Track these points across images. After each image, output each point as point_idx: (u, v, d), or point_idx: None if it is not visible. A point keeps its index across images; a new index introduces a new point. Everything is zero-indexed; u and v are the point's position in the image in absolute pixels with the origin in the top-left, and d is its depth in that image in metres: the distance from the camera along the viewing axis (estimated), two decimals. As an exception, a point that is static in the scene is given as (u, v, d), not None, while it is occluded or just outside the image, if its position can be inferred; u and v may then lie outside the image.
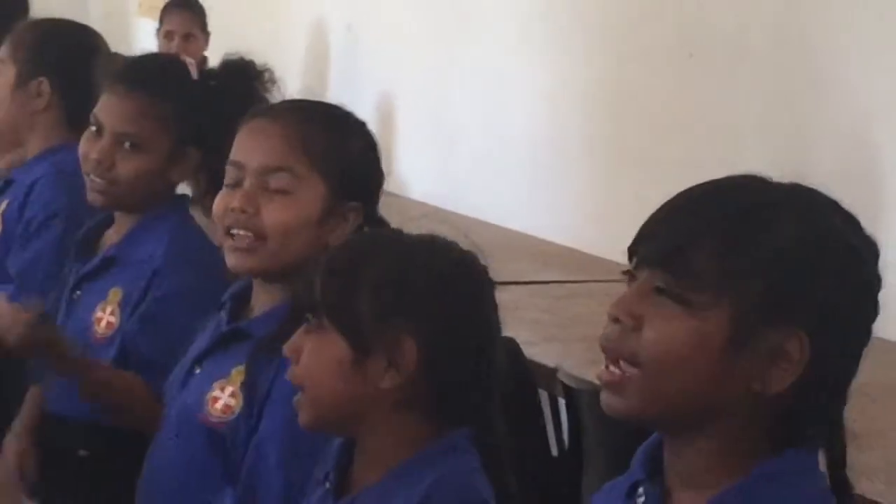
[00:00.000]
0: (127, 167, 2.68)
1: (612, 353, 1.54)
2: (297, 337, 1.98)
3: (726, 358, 1.49)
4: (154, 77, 2.78)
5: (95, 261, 2.80)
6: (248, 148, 2.35)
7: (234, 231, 2.32)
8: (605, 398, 1.56)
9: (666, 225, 1.53)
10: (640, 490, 1.56)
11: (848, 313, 1.50)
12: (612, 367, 1.54)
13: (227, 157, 2.37)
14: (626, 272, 1.57)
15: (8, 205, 3.22)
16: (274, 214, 2.30)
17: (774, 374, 1.48)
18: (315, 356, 1.96)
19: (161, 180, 2.71)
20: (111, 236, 2.81)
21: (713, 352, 1.49)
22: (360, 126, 2.41)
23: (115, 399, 2.68)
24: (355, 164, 2.35)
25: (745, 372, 1.49)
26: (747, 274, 1.49)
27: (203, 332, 2.43)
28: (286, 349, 1.99)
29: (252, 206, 2.30)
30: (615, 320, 1.54)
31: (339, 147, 2.36)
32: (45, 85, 3.22)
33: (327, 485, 1.99)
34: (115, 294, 2.74)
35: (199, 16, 6.16)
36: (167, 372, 2.54)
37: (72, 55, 3.21)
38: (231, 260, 2.36)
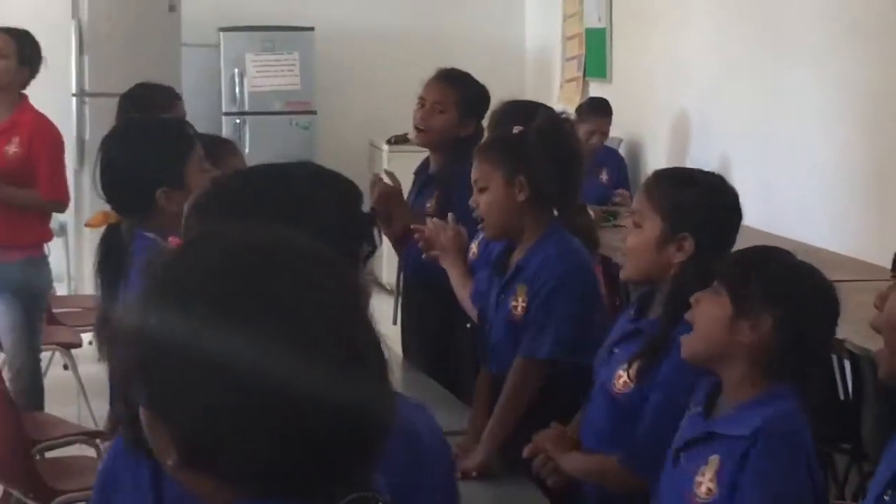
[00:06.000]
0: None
1: (876, 331, 1.89)
2: (700, 292, 2.35)
3: None
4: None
5: (511, 270, 3.19)
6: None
7: None
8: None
9: None
10: None
11: None
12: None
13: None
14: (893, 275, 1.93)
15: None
16: (629, 240, 2.77)
17: None
18: (708, 306, 2.31)
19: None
20: (517, 255, 3.21)
21: None
22: (698, 179, 2.72)
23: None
24: (686, 206, 2.67)
25: None
26: None
27: (618, 324, 2.81)
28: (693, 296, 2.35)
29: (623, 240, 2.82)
30: (875, 307, 1.96)
31: (675, 194, 2.69)
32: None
33: (700, 409, 2.32)
34: (521, 288, 3.15)
35: (610, 117, 6.55)
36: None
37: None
38: None
